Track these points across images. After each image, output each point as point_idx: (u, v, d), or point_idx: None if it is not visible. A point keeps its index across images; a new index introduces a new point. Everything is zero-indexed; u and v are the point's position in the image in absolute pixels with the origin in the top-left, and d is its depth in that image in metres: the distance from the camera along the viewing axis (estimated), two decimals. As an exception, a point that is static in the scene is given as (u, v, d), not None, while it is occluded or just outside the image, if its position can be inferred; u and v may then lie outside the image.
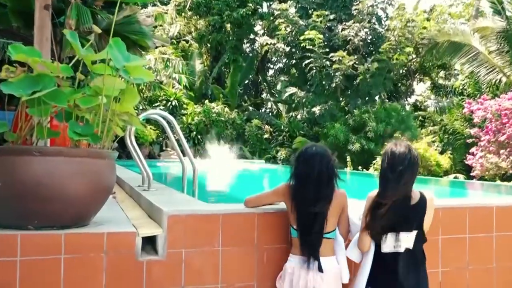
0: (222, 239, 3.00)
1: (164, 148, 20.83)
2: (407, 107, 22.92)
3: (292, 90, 21.81)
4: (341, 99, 21.35)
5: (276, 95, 27.70)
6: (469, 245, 3.67)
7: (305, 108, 21.96)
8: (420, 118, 22.47)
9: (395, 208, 2.73)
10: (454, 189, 8.58)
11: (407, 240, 2.81)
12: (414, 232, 2.81)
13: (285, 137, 23.12)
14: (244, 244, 3.07)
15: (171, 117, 4.31)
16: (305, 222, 2.85)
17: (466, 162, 13.84)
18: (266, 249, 3.12)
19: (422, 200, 2.82)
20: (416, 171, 2.78)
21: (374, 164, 14.96)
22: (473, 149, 13.53)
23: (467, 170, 14.81)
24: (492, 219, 3.73)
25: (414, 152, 2.79)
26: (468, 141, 14.71)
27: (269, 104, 32.42)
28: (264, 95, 32.34)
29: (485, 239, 3.72)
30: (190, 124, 21.65)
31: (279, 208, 3.14)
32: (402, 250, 2.81)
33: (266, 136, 24.18)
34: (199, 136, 21.59)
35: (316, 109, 20.36)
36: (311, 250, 2.84)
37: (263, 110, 32.39)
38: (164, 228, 2.91)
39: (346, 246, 3.06)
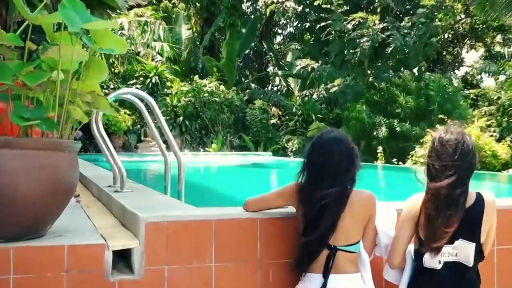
0: (216, 252, 3.01)
1: (142, 138, 20.96)
2: (455, 82, 22.81)
3: (306, 61, 21.74)
4: (368, 72, 21.29)
5: (286, 68, 27.65)
6: (533, 258, 3.66)
7: (323, 84, 21.86)
8: (471, 96, 22.41)
9: (445, 213, 2.75)
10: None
11: (455, 252, 2.82)
12: (470, 245, 2.81)
13: (297, 123, 23.15)
14: (244, 258, 3.07)
15: (149, 98, 4.30)
16: (310, 220, 2.87)
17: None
18: (272, 265, 3.12)
19: (479, 202, 2.83)
20: (472, 165, 2.80)
21: (413, 155, 14.94)
22: (540, 135, 13.49)
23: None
24: None
25: (469, 140, 2.81)
26: (534, 124, 14.67)
27: (277, 80, 32.35)
28: (270, 69, 32.30)
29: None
30: (175, 107, 21.71)
31: (288, 213, 3.14)
32: (449, 262, 2.83)
33: (273, 121, 24.20)
34: (187, 122, 21.63)
35: (337, 86, 20.26)
36: (305, 261, 2.87)
37: (269, 87, 32.34)
38: (141, 239, 2.91)
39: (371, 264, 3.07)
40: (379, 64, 21.05)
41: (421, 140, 15.02)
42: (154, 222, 2.93)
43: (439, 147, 2.81)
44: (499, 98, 20.26)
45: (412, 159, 14.94)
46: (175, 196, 4.41)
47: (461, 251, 2.82)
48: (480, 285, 2.93)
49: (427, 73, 21.45)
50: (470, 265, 2.82)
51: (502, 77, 22.29)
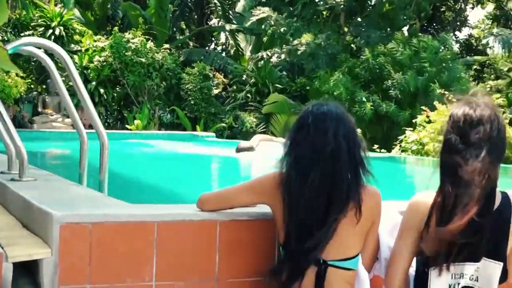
0: (158, 266, 2.96)
1: (40, 109, 20.60)
2: (455, 46, 23.22)
3: (262, 12, 21.67)
4: (345, 29, 21.41)
5: (235, 22, 27.54)
6: None
7: (284, 45, 21.85)
8: (475, 66, 22.86)
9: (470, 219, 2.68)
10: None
11: (476, 273, 2.78)
12: (496, 265, 2.77)
13: (249, 94, 23.12)
14: (197, 275, 3.03)
15: (62, 52, 4.20)
16: (296, 232, 2.82)
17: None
18: (235, 285, 3.10)
19: (506, 205, 2.78)
20: (504, 149, 2.78)
21: (401, 141, 15.13)
22: None
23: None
24: None
25: (502, 118, 2.77)
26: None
27: (223, 37, 32.26)
28: (213, 22, 32.13)
29: None
30: (86, 69, 21.38)
31: (260, 213, 3.11)
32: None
33: (217, 91, 24.11)
34: (101, 90, 21.38)
35: (303, 46, 20.25)
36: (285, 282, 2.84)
37: (212, 47, 32.21)
38: (53, 248, 2.83)
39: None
40: (359, 20, 21.21)
41: (414, 121, 15.18)
42: (73, 223, 2.86)
43: (465, 128, 2.73)
44: (510, 69, 20.72)
45: (400, 146, 15.12)
46: (95, 187, 4.46)
47: (482, 273, 2.78)
48: None
49: (420, 35, 21.69)
50: None
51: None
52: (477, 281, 2.78)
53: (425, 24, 24.20)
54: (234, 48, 28.12)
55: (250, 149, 12.74)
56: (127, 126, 21.30)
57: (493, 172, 2.72)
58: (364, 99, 18.14)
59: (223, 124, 22.32)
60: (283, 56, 22.33)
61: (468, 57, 23.01)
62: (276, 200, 2.89)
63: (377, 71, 19.02)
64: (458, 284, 2.78)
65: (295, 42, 20.30)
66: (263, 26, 21.61)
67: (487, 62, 22.78)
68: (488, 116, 2.72)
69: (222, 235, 3.05)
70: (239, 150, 12.82)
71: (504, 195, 2.80)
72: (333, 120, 2.82)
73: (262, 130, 21.38)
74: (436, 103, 14.41)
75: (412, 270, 2.93)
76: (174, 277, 2.98)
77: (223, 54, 28.57)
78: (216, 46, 33.00)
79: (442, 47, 19.34)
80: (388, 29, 20.91)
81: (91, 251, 2.86)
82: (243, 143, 13.48)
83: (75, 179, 4.75)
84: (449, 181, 2.72)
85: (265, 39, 23.47)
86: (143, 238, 2.94)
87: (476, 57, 22.75)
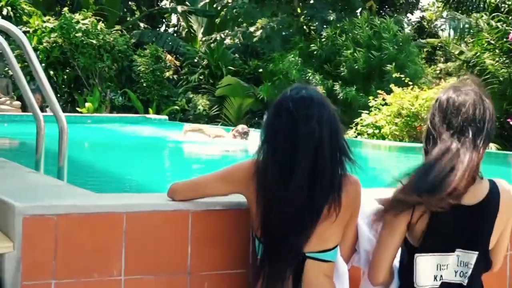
0: (127, 260, 2.89)
1: (-14, 92, 20.34)
2: (407, 29, 23.42)
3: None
4: (298, 11, 21.42)
5: (188, 3, 27.40)
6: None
7: (237, 26, 21.80)
8: (427, 48, 23.06)
9: (453, 207, 2.63)
10: (492, 166, 8.83)
11: (457, 264, 2.76)
12: (475, 254, 2.75)
13: (202, 76, 23.05)
14: (168, 269, 2.97)
15: (19, 32, 4.10)
16: (277, 226, 2.73)
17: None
18: (208, 278, 3.05)
19: (493, 194, 2.74)
20: (490, 137, 2.74)
21: (357, 124, 15.16)
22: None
23: (505, 136, 15.30)
24: None
25: (489, 103, 2.74)
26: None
27: (174, 19, 32.07)
28: (165, 2, 31.90)
29: None
30: (35, 50, 20.99)
31: (234, 202, 3.04)
32: (448, 281, 2.76)
33: (168, 73, 23.98)
34: (51, 72, 21.23)
35: (257, 28, 20.21)
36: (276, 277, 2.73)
37: (164, 29, 31.98)
38: (16, 242, 2.74)
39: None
40: (313, 2, 21.27)
41: (370, 104, 15.21)
42: (37, 215, 2.78)
43: (447, 111, 2.74)
44: (461, 53, 20.88)
45: (356, 129, 15.15)
46: (54, 175, 4.33)
47: (463, 260, 2.77)
48: None
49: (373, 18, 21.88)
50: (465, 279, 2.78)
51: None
52: (465, 277, 2.77)
53: (377, 7, 24.41)
54: (186, 30, 28.01)
55: None
56: (77, 109, 21.04)
57: (475, 157, 2.69)
58: (315, 80, 18.12)
59: (176, 107, 22.26)
60: (236, 39, 22.27)
61: (420, 39, 23.26)
62: (251, 190, 2.80)
63: (335, 50, 19.01)
64: (441, 276, 2.76)
65: (252, 29, 20.31)
66: (214, 6, 21.58)
67: (439, 44, 22.97)
68: (471, 101, 2.73)
69: (194, 226, 2.99)
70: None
71: (492, 183, 2.77)
72: (315, 106, 2.69)
73: (215, 113, 21.40)
74: (392, 86, 14.48)
75: (396, 261, 2.89)
76: (144, 271, 2.92)
77: (175, 36, 28.42)
78: (167, 28, 32.82)
79: (398, 31, 19.52)
80: (342, 12, 21.01)
81: (57, 244, 2.78)
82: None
83: (28, 165, 4.62)
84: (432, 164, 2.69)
85: (217, 21, 23.37)
86: (111, 230, 2.87)
87: (428, 40, 23.04)
